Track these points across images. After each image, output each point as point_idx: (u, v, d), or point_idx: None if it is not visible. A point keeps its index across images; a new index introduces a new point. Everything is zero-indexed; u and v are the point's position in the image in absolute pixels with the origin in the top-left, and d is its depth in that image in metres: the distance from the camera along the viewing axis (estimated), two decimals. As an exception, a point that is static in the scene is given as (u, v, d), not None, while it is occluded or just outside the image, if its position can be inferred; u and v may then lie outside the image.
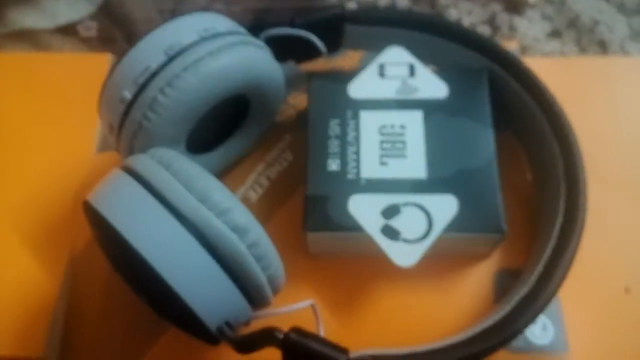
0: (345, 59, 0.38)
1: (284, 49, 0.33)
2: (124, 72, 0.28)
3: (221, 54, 0.28)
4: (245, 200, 0.34)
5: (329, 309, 0.31)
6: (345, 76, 0.33)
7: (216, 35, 0.29)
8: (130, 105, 0.28)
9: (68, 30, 0.45)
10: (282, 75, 0.32)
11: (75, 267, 0.33)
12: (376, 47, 0.35)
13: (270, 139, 0.36)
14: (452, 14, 0.44)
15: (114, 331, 0.32)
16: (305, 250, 0.32)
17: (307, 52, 0.35)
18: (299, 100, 0.37)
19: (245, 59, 0.29)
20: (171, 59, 0.28)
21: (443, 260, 0.31)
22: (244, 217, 0.25)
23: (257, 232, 0.25)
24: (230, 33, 0.29)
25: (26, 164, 0.36)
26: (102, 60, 0.40)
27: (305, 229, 0.30)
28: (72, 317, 0.32)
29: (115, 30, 0.45)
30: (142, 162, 0.26)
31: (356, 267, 0.32)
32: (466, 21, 0.44)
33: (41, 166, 0.36)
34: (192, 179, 0.25)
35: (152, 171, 0.25)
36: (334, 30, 0.35)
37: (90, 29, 0.45)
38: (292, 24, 0.33)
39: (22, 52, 0.44)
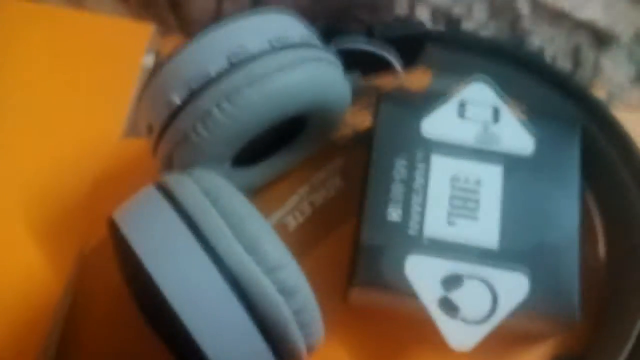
0: (414, 75, 0.33)
1: (353, 60, 0.29)
2: (175, 70, 0.24)
3: (291, 70, 0.24)
4: (281, 227, 0.30)
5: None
6: (419, 104, 0.29)
7: (288, 47, 0.25)
8: (177, 111, 0.24)
9: (107, -15, 0.40)
10: (350, 95, 0.28)
11: (84, 266, 0.30)
12: (453, 70, 0.31)
13: (319, 158, 0.32)
14: (534, 41, 0.39)
15: (113, 345, 0.29)
16: (343, 296, 0.28)
17: (378, 66, 0.31)
18: (359, 119, 0.33)
19: (316, 77, 0.25)
20: (234, 67, 0.24)
21: (497, 335, 0.28)
22: (294, 276, 0.22)
23: (306, 295, 0.22)
24: (303, 45, 0.25)
25: (42, 138, 0.32)
26: (145, 30, 0.36)
27: (353, 282, 0.26)
28: (72, 322, 0.29)
29: (158, -7, 0.40)
30: (186, 190, 0.22)
31: (397, 328, 0.28)
32: (548, 50, 0.39)
33: (59, 143, 0.32)
34: (242, 222, 0.21)
35: (197, 205, 0.22)
36: (413, 48, 0.31)
37: (132, -12, 0.40)
38: (369, 34, 0.29)
39: (56, 5, 0.39)
